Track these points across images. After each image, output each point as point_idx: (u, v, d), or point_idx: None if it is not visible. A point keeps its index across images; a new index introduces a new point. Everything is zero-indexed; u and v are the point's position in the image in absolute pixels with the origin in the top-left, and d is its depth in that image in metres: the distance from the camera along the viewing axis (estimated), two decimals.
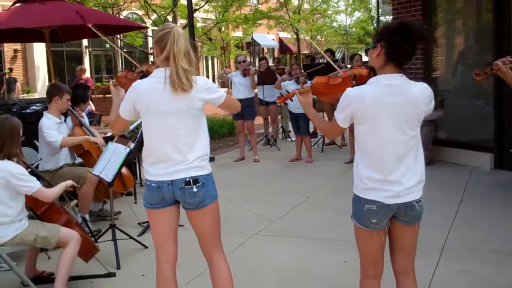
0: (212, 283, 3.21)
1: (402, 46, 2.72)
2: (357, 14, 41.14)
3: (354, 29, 41.60)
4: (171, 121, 3.01)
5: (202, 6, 15.18)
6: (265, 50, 38.89)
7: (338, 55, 41.78)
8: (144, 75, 3.61)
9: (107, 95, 14.23)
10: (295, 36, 31.88)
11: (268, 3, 26.75)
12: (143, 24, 13.53)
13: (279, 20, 23.06)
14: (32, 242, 3.88)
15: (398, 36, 2.71)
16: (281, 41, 39.65)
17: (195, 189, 3.03)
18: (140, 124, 4.92)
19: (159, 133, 3.04)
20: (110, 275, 4.40)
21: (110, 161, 4.73)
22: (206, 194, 3.07)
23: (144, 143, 3.15)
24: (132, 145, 4.93)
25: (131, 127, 6.82)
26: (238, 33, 30.57)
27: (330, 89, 3.21)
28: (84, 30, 7.19)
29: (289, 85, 8.75)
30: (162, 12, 14.44)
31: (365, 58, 10.86)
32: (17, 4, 8.06)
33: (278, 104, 7.71)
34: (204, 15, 23.79)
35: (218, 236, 3.23)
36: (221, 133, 12.34)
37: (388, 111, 2.71)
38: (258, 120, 11.42)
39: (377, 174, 2.74)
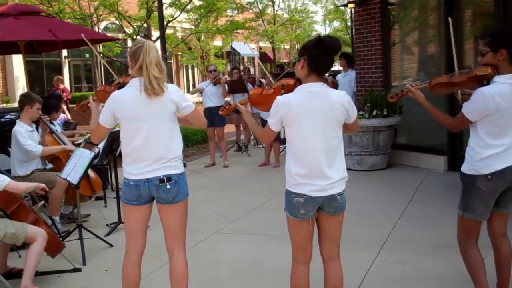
0: (169, 274, 3.54)
1: (320, 58, 3.13)
2: (335, 23, 41.81)
3: None
4: (147, 124, 3.37)
5: (176, 18, 15.51)
6: (245, 59, 39.30)
7: None
8: (121, 85, 3.93)
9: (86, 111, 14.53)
10: (279, 46, 32.35)
11: (245, 14, 27.22)
12: (114, 36, 13.84)
13: (254, 31, 23.47)
14: (1, 238, 4.22)
15: (317, 50, 3.13)
16: (261, 50, 40.16)
17: (168, 186, 3.38)
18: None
19: (136, 136, 3.39)
20: (76, 270, 4.74)
21: (76, 165, 5.07)
22: (178, 191, 3.43)
23: (122, 145, 3.50)
24: (96, 149, 5.29)
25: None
26: (218, 42, 30.91)
27: (264, 99, 3.60)
28: (57, 43, 7.59)
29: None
30: (137, 24, 14.78)
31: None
32: None
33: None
34: (185, 25, 24.15)
35: (183, 233, 3.56)
36: (194, 140, 12.71)
37: (311, 114, 3.12)
38: (231, 127, 11.85)
39: (304, 171, 3.14)
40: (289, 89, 3.34)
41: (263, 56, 40.69)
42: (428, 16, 9.19)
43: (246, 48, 37.02)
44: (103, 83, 4.59)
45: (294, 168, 3.18)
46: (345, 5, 10.51)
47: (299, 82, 3.29)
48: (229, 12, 27.64)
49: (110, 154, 6.09)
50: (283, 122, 3.20)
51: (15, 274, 4.55)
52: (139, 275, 3.55)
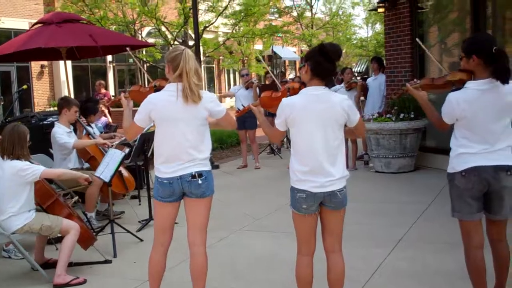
0: (190, 266, 3.83)
1: (323, 64, 3.39)
2: (377, 26, 41.49)
3: (375, 41, 41.88)
4: (181, 127, 3.66)
5: (212, 23, 15.92)
6: (287, 63, 39.48)
7: (360, 67, 42.14)
8: (157, 89, 4.21)
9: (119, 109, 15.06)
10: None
11: (284, 17, 27.45)
12: (156, 42, 14.36)
13: (291, 34, 23.68)
14: (38, 231, 4.63)
15: (320, 56, 3.39)
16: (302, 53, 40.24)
17: (200, 182, 3.68)
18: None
19: (171, 137, 3.69)
20: (107, 262, 5.11)
21: (108, 164, 5.46)
22: (207, 187, 3.73)
23: (156, 146, 3.81)
24: (127, 150, 5.66)
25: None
26: (259, 46, 31.15)
27: (273, 101, 3.88)
28: (97, 49, 8.06)
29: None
30: (174, 29, 15.23)
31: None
32: (37, 26, 8.93)
33: None
34: (225, 29, 24.52)
35: (205, 227, 3.83)
36: (229, 143, 13.02)
37: (313, 116, 3.38)
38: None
39: (306, 168, 3.41)
40: (294, 92, 3.61)
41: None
42: (455, 19, 9.27)
43: (287, 51, 37.20)
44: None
45: (297, 166, 3.45)
46: (375, 9, 10.64)
47: (304, 85, 3.56)
48: (270, 16, 27.96)
49: (141, 155, 6.46)
50: (287, 122, 3.47)
51: (51, 265, 4.93)
52: (164, 264, 3.85)
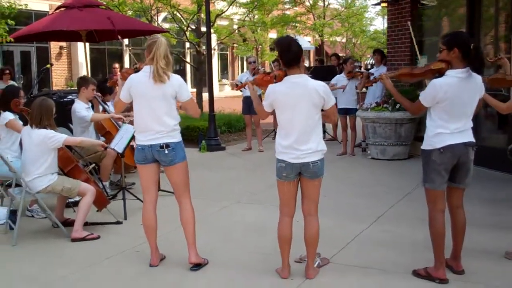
0: (180, 218, 4.53)
1: (282, 55, 4.08)
2: None
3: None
4: (152, 103, 4.33)
5: (224, 12, 16.48)
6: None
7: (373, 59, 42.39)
8: (137, 70, 4.86)
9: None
10: (327, 39, 32.75)
11: (299, 7, 27.87)
12: (166, 28, 14.97)
13: (303, 24, 24.10)
14: (60, 191, 5.30)
15: (278, 49, 4.11)
16: (321, 43, 40.53)
17: (166, 152, 4.36)
18: None
19: (144, 111, 4.37)
20: (118, 222, 5.79)
21: (122, 137, 6.11)
22: (175, 155, 4.39)
23: (134, 118, 4.51)
24: None
25: None
26: (273, 35, 31.55)
27: (264, 83, 4.46)
28: (115, 33, 8.69)
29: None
30: (187, 17, 15.79)
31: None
32: (60, 10, 9.60)
33: None
34: (238, 17, 25.00)
35: (186, 187, 4.52)
36: (238, 127, 13.61)
37: (293, 100, 4.02)
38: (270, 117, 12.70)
39: (286, 142, 4.06)
40: (280, 79, 4.21)
41: (318, 49, 41.17)
42: (452, 15, 9.79)
43: (302, 41, 37.39)
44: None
45: (279, 140, 4.12)
46: (378, 4, 11.16)
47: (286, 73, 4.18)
48: (285, 6, 28.36)
49: None
50: (272, 105, 4.10)
51: (69, 223, 5.59)
52: (155, 219, 4.56)
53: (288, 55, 4.04)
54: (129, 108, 5.67)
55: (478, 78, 4.08)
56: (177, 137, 4.44)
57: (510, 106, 4.55)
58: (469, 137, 4.10)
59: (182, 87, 4.43)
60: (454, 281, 4.15)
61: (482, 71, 4.16)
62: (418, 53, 5.03)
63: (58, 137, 5.22)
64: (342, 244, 5.04)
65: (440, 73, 4.12)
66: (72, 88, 17.32)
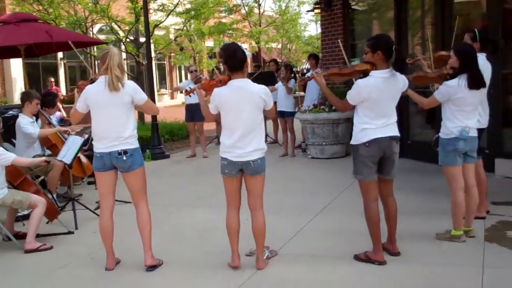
0: (137, 222, 4.72)
1: (227, 61, 4.35)
2: None
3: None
4: (108, 111, 4.52)
5: (162, 22, 16.64)
6: None
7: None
8: (93, 81, 5.06)
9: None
10: (263, 46, 33.27)
11: (235, 15, 28.23)
12: (107, 39, 15.03)
13: (239, 32, 24.51)
14: (11, 204, 5.37)
15: (224, 56, 4.37)
16: (258, 50, 40.98)
17: (124, 158, 4.55)
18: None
19: (101, 120, 4.55)
20: (70, 232, 5.89)
21: (69, 149, 6.21)
22: (133, 161, 4.59)
23: (92, 127, 4.68)
24: (86, 136, 6.43)
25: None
26: (210, 43, 31.75)
27: (210, 88, 4.71)
28: (54, 46, 8.72)
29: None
30: (126, 28, 15.86)
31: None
32: None
33: None
34: (177, 26, 25.04)
35: (144, 192, 4.73)
36: (180, 135, 13.81)
37: (237, 102, 4.31)
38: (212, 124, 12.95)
39: (229, 142, 4.35)
40: (224, 83, 4.48)
41: (255, 56, 41.68)
42: (382, 18, 10.34)
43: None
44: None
45: (223, 140, 4.43)
46: (312, 10, 11.61)
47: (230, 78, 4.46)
48: (221, 14, 28.62)
49: None
50: (218, 107, 4.37)
51: (21, 236, 5.64)
52: (112, 225, 4.73)
53: (233, 61, 4.32)
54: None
55: (401, 77, 4.47)
56: (134, 144, 4.63)
57: (432, 101, 4.97)
58: (394, 131, 4.48)
59: (137, 91, 4.63)
60: (391, 262, 4.54)
61: (406, 70, 4.57)
62: (348, 61, 5.43)
63: (7, 156, 5.28)
64: (289, 237, 5.35)
65: (365, 74, 4.48)
66: (12, 104, 17.02)
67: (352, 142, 4.54)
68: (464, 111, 4.76)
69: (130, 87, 4.59)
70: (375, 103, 4.35)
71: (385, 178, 4.60)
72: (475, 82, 4.67)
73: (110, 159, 4.56)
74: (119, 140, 4.54)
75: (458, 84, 4.68)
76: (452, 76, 4.76)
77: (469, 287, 4.04)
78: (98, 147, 4.61)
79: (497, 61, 6.81)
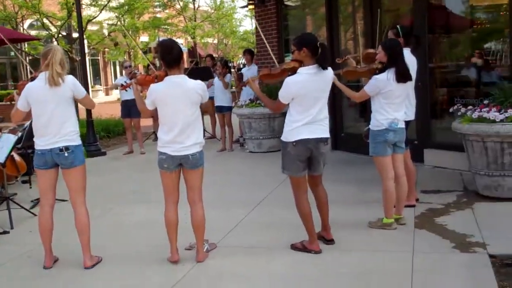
0: (75, 223, 4.68)
1: (165, 57, 4.39)
2: None
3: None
4: (49, 107, 4.48)
5: (95, 17, 16.37)
6: None
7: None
8: (33, 78, 4.95)
9: (12, 102, 15.18)
10: (199, 41, 33.22)
11: (170, 10, 28.03)
12: (38, 35, 14.65)
13: (175, 27, 24.39)
14: None
15: (161, 52, 4.42)
16: (194, 45, 40.83)
17: (66, 154, 4.52)
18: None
19: (42, 116, 4.50)
20: (5, 232, 5.79)
21: (2, 147, 6.08)
22: (75, 158, 4.56)
23: (33, 123, 4.61)
24: (19, 134, 6.30)
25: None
26: (144, 38, 31.40)
27: (147, 83, 4.71)
28: None
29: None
30: (58, 23, 15.52)
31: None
32: None
33: None
34: (110, 21, 24.68)
35: (83, 191, 4.70)
36: (116, 132, 13.66)
37: (173, 98, 4.36)
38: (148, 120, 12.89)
39: (167, 137, 4.40)
40: (161, 79, 4.51)
41: (191, 51, 41.54)
42: (315, 13, 10.58)
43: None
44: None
45: (161, 135, 4.47)
46: (246, 6, 11.72)
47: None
48: (156, 9, 28.35)
49: (32, 139, 7.05)
50: (155, 103, 4.41)
51: None
52: (52, 221, 4.70)
53: (170, 57, 4.36)
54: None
55: (328, 72, 4.60)
56: (76, 140, 4.61)
57: (363, 94, 5.17)
58: (322, 133, 4.60)
59: (77, 86, 4.62)
60: (326, 251, 4.71)
61: (330, 64, 4.70)
62: (275, 61, 5.54)
63: None
64: (228, 229, 5.45)
65: (293, 72, 4.61)
66: None
67: (282, 138, 4.66)
68: (393, 104, 4.98)
69: (70, 81, 4.58)
70: (305, 99, 4.48)
71: (313, 174, 4.76)
72: (402, 75, 4.90)
73: (51, 155, 4.52)
74: (60, 136, 4.51)
75: (387, 78, 4.90)
76: (381, 70, 4.98)
77: (400, 271, 4.24)
78: (39, 144, 4.56)
79: (423, 55, 7.17)
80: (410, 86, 5.18)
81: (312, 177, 4.76)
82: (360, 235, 5.08)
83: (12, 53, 25.86)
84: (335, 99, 9.19)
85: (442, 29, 8.12)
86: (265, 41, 5.60)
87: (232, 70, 11.96)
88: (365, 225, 5.29)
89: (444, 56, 8.27)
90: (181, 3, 29.70)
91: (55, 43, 15.46)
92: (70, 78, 4.60)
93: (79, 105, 5.47)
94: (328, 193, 4.90)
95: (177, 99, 4.36)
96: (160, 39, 32.33)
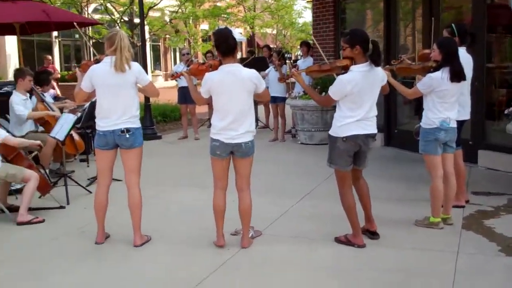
0: (128, 203, 4.88)
1: (220, 46, 4.48)
2: None
3: None
4: (113, 91, 4.68)
5: (157, 4, 16.71)
6: None
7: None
8: (98, 61, 5.19)
9: (74, 83, 15.72)
10: (258, 31, 33.39)
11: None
12: (101, 19, 15.09)
13: (234, 16, 24.56)
14: (4, 178, 5.53)
15: (215, 41, 4.53)
16: (252, 35, 41.07)
17: (127, 136, 4.71)
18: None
19: (106, 99, 4.71)
20: (61, 207, 6.06)
21: (62, 126, 6.36)
22: (135, 140, 4.75)
23: (96, 105, 4.82)
24: (79, 114, 6.57)
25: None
26: (205, 26, 31.78)
27: (199, 72, 4.87)
28: (48, 25, 8.82)
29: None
30: (121, 9, 15.95)
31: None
32: None
33: None
34: (172, 9, 25.07)
35: (138, 171, 4.89)
36: (173, 117, 13.96)
37: (227, 86, 4.46)
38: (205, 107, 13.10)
39: (221, 124, 4.50)
40: (215, 68, 4.64)
41: (249, 41, 41.75)
42: (374, 8, 10.48)
43: (233, 33, 37.86)
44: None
45: (215, 122, 4.56)
46: None
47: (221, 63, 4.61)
48: None
49: (91, 120, 7.34)
50: (210, 91, 4.51)
51: (13, 209, 5.80)
52: (107, 200, 4.90)
53: (225, 46, 4.46)
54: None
55: (379, 70, 4.62)
56: (136, 123, 4.80)
57: (416, 92, 5.14)
58: (371, 129, 4.64)
59: (142, 73, 4.80)
60: (370, 245, 4.74)
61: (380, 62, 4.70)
62: (325, 58, 5.54)
63: None
64: (273, 218, 5.55)
65: (345, 69, 4.63)
66: (5, 81, 17.04)
67: (331, 133, 4.69)
68: (445, 103, 4.94)
69: (136, 68, 4.75)
70: (357, 97, 4.50)
71: (358, 168, 4.80)
72: (457, 75, 4.85)
73: (113, 137, 4.71)
74: (123, 119, 4.70)
75: (441, 76, 4.86)
76: (435, 69, 4.94)
77: (443, 271, 4.23)
78: (102, 125, 4.75)
79: (481, 54, 7.03)
80: (464, 85, 5.12)
81: (355, 170, 4.79)
82: (405, 233, 5.08)
83: (77, 35, 26.67)
84: (390, 96, 9.08)
85: (503, 28, 7.91)
86: (316, 42, 5.57)
87: (287, 61, 11.98)
88: (411, 222, 5.28)
89: (505, 56, 8.07)
90: None
91: (118, 28, 15.87)
92: (136, 65, 4.76)
93: None
94: (374, 188, 4.92)
95: (232, 88, 4.45)
96: (224, 27, 32.58)
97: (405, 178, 7.12)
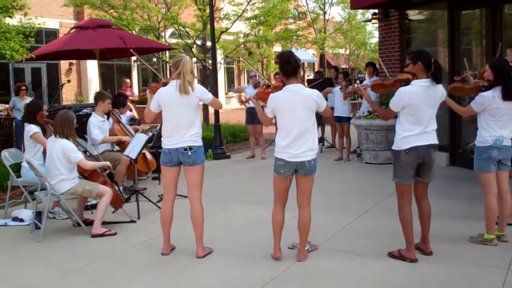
0: (190, 216, 5.22)
1: (284, 67, 4.78)
2: None
3: None
4: (178, 111, 5.08)
5: (229, 29, 17.29)
6: (306, 65, 40.59)
7: None
8: (165, 84, 5.58)
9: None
10: (330, 52, 33.56)
11: (301, 21, 28.66)
12: (178, 43, 15.84)
13: (304, 38, 24.84)
14: (81, 193, 6.03)
15: (279, 62, 4.82)
16: (321, 56, 41.28)
17: (189, 153, 5.08)
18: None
19: (171, 119, 5.11)
20: (132, 221, 6.51)
21: (135, 145, 6.83)
22: (196, 157, 5.12)
23: (162, 125, 5.25)
24: (150, 134, 7.03)
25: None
26: (278, 48, 32.23)
27: (265, 95, 5.13)
28: (126, 50, 9.44)
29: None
30: (193, 34, 16.65)
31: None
32: (74, 30, 10.40)
33: None
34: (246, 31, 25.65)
35: (200, 187, 5.23)
36: (242, 137, 14.38)
37: (291, 105, 4.74)
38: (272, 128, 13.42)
39: (284, 143, 4.77)
40: (279, 89, 4.92)
41: (321, 62, 41.93)
42: (436, 30, 10.48)
43: (306, 54, 38.24)
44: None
45: (279, 141, 4.84)
46: (369, 20, 11.87)
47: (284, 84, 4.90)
48: (289, 20, 29.09)
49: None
50: (274, 111, 4.81)
51: (89, 223, 6.28)
52: (171, 214, 5.26)
53: (288, 67, 4.77)
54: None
55: (439, 87, 4.79)
56: (199, 142, 5.17)
57: (469, 110, 5.24)
58: (432, 140, 4.80)
59: (204, 93, 5.21)
60: (422, 260, 4.85)
61: (442, 80, 4.87)
62: (388, 74, 5.77)
63: (75, 156, 5.93)
64: (330, 234, 5.75)
65: (406, 83, 4.83)
66: (86, 103, 18.09)
67: (393, 147, 4.88)
68: (499, 121, 5.02)
69: (199, 90, 5.15)
70: (415, 110, 4.69)
71: (422, 181, 4.92)
72: (508, 94, 4.92)
73: (177, 154, 5.08)
74: (186, 137, 5.07)
75: (493, 95, 4.95)
76: (487, 88, 5.03)
77: (490, 286, 4.30)
78: (167, 144, 5.14)
79: None
80: None
81: (421, 184, 4.94)
82: (458, 249, 5.15)
83: (154, 59, 27.82)
84: (455, 115, 9.09)
85: None
86: (380, 60, 5.78)
87: (357, 81, 12.13)
88: (467, 239, 5.33)
89: None
90: (312, 15, 30.25)
91: (192, 52, 16.55)
92: (199, 88, 5.16)
93: (210, 111, 6.00)
94: (435, 206, 5.02)
95: (295, 106, 4.73)
96: (287, 50, 33.11)
97: (465, 196, 7.14)
